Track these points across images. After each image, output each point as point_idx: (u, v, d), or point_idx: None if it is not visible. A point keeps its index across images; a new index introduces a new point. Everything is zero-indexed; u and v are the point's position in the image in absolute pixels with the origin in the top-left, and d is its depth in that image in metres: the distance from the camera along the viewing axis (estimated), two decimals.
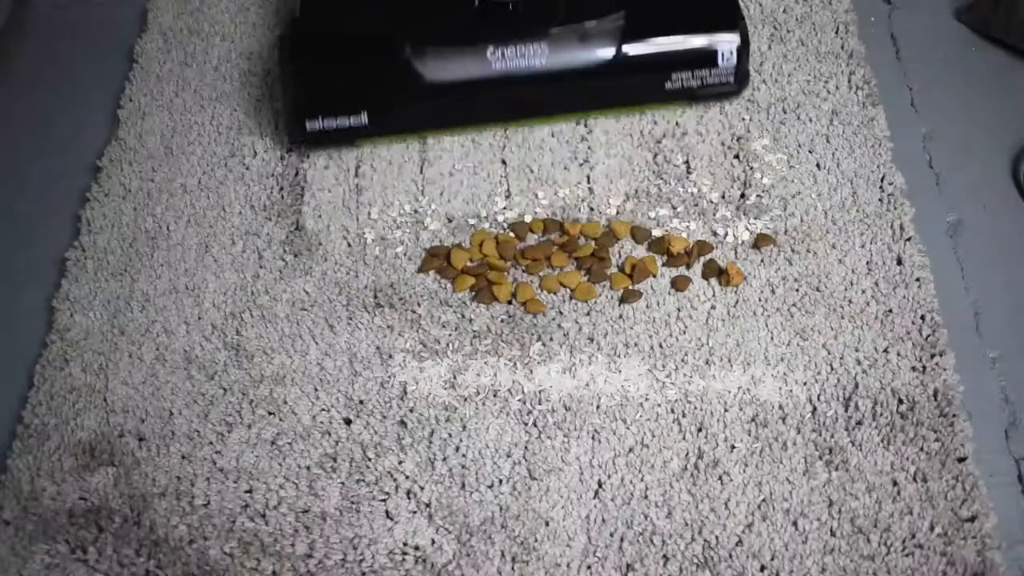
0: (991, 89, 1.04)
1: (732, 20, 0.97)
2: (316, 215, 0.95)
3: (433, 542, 0.76)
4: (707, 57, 0.95)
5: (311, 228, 0.94)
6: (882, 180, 0.95)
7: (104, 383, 0.86)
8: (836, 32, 1.07)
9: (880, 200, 0.94)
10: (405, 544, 0.76)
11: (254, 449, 0.81)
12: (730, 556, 0.75)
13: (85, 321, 0.89)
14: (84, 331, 0.89)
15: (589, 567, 0.75)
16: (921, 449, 0.79)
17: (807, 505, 0.77)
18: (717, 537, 0.75)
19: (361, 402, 0.83)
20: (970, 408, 0.81)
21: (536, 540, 0.76)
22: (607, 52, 0.94)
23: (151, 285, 0.91)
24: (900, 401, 0.81)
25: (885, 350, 0.84)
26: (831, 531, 0.75)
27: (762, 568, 0.74)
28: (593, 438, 0.81)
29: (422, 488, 0.78)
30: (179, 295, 0.91)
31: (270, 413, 0.83)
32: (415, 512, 0.78)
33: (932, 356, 0.84)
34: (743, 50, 0.96)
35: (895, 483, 0.77)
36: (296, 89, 0.96)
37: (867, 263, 0.90)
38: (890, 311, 0.87)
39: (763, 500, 0.77)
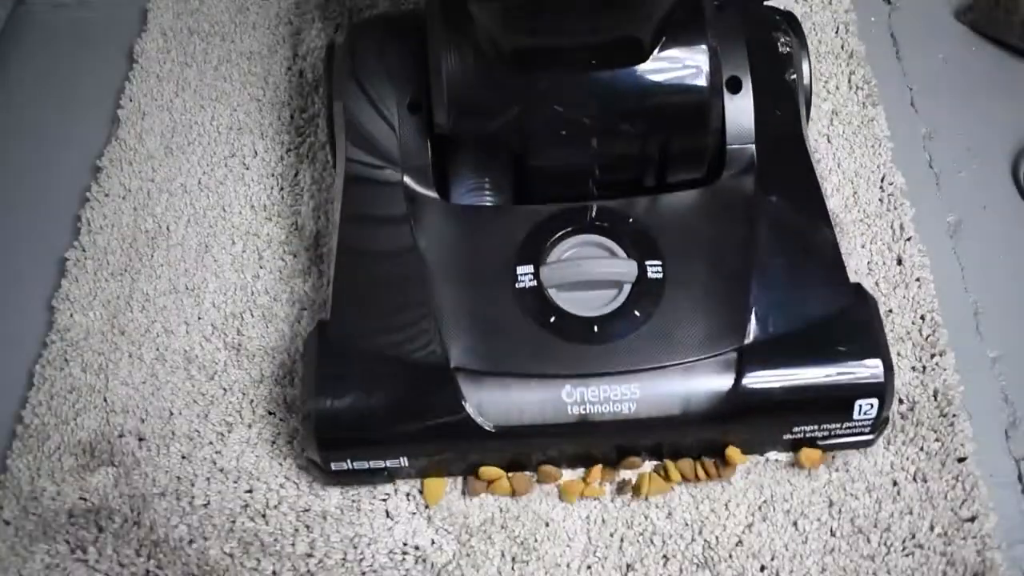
0: (991, 89, 1.04)
1: (875, 356, 0.73)
2: (316, 215, 0.95)
3: (433, 542, 0.76)
4: (840, 410, 0.74)
5: (311, 228, 0.94)
6: (882, 180, 0.95)
7: (104, 383, 0.86)
8: (836, 32, 1.07)
9: (880, 200, 0.94)
10: (405, 544, 0.76)
11: (255, 449, 0.82)
12: (730, 556, 0.75)
13: (85, 321, 0.89)
14: (84, 331, 0.89)
15: (589, 567, 0.75)
16: (921, 449, 0.79)
17: (807, 505, 0.77)
18: (717, 537, 0.75)
19: None
20: (970, 408, 0.81)
21: (536, 540, 0.76)
22: (711, 398, 0.72)
23: (151, 285, 0.91)
24: (900, 401, 0.82)
25: None
26: (831, 531, 0.75)
27: (762, 568, 0.74)
28: None
29: (421, 491, 0.78)
30: (179, 295, 0.91)
31: (270, 413, 0.83)
32: (415, 513, 0.78)
33: (932, 356, 0.84)
34: (886, 397, 0.73)
35: (895, 483, 0.78)
36: (318, 426, 0.73)
37: (867, 263, 0.90)
38: (890, 311, 0.87)
39: (763, 501, 0.77)
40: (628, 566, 0.75)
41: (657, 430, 0.73)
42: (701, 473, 0.77)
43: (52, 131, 1.05)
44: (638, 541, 0.76)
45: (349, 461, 0.74)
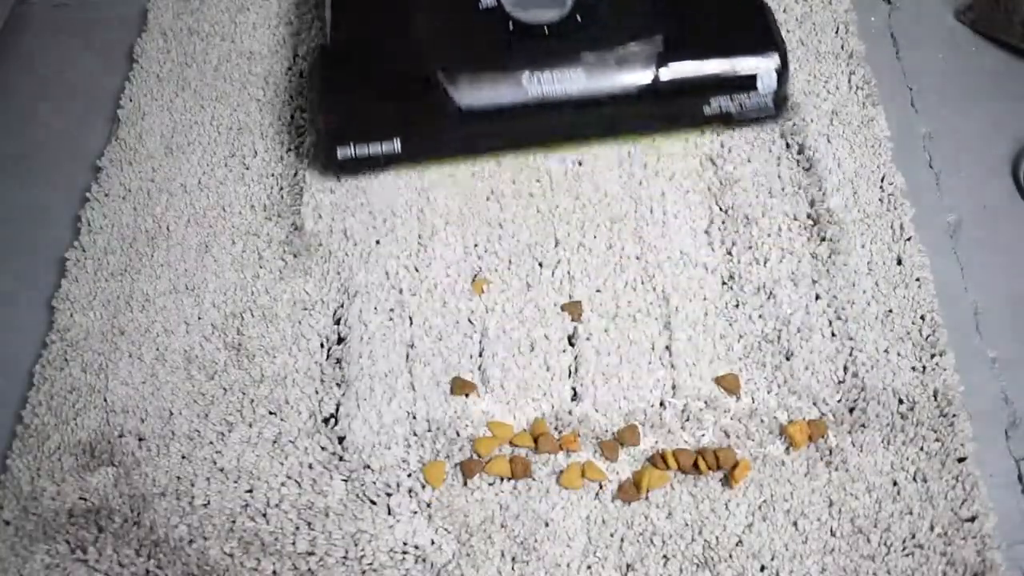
0: (991, 89, 1.04)
1: (771, 43, 0.96)
2: (316, 215, 0.95)
3: (433, 542, 0.76)
4: (746, 81, 0.94)
5: (311, 228, 0.94)
6: (882, 180, 0.95)
7: (104, 383, 0.86)
8: (836, 32, 1.07)
9: (880, 200, 0.94)
10: (405, 543, 0.76)
11: (255, 448, 0.82)
12: (730, 556, 0.75)
13: (85, 321, 0.89)
14: (84, 331, 0.89)
15: (589, 567, 0.75)
16: (921, 449, 0.79)
17: (807, 505, 0.77)
18: (717, 537, 0.75)
19: (358, 406, 0.84)
20: (970, 408, 0.81)
21: (536, 540, 0.76)
22: (644, 76, 0.93)
23: (151, 285, 0.91)
24: (900, 401, 0.82)
25: (885, 350, 0.84)
26: (831, 531, 0.75)
27: (762, 568, 0.74)
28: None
29: (423, 487, 0.78)
30: (179, 295, 0.91)
31: (271, 412, 0.83)
32: (416, 512, 0.78)
33: (932, 356, 0.84)
34: (783, 74, 0.95)
35: (895, 483, 0.77)
36: (326, 116, 0.94)
37: (867, 263, 0.90)
38: (890, 311, 0.87)
39: (763, 501, 0.77)
40: (628, 566, 0.75)
41: (599, 105, 0.93)
42: (702, 465, 0.77)
43: (52, 131, 1.05)
44: (638, 541, 0.76)
45: (352, 146, 0.92)
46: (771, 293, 0.88)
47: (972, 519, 0.75)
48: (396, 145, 0.92)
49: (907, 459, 0.78)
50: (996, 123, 1.01)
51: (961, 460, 0.78)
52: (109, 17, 1.14)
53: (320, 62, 0.96)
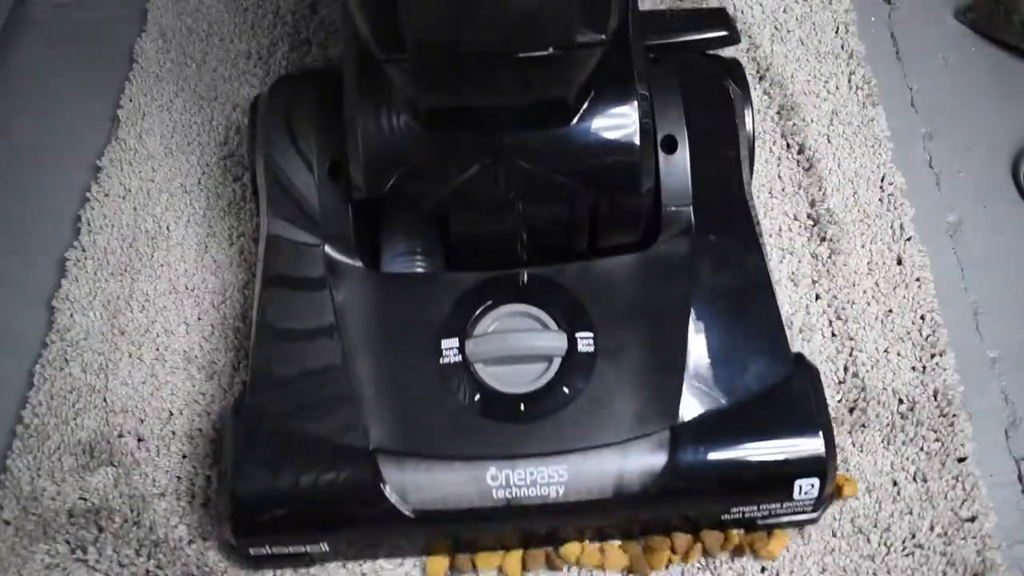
0: (991, 89, 1.04)
1: (815, 433, 0.69)
2: None
3: None
4: (778, 489, 0.70)
5: None
6: (882, 180, 0.95)
7: (104, 383, 0.86)
8: (836, 32, 1.07)
9: (880, 200, 0.94)
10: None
11: None
12: (731, 558, 0.75)
13: (85, 321, 0.89)
14: (84, 331, 0.89)
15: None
16: (921, 449, 0.79)
17: None
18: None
19: None
20: (970, 408, 0.81)
21: None
22: (646, 478, 0.68)
23: (151, 285, 0.91)
24: (900, 401, 0.82)
25: (885, 350, 0.84)
26: (831, 531, 0.75)
27: (763, 569, 0.74)
28: None
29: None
30: (179, 295, 0.91)
31: None
32: None
33: (932, 356, 0.84)
34: (827, 472, 0.69)
35: (895, 483, 0.77)
36: (233, 505, 0.69)
37: (867, 263, 0.90)
38: (890, 311, 0.87)
39: None
40: (629, 568, 0.75)
41: (587, 513, 0.69)
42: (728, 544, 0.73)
43: (52, 131, 1.05)
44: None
45: (268, 547, 0.70)
46: None
47: (972, 519, 0.75)
48: (323, 547, 0.71)
49: (907, 459, 0.79)
50: (996, 123, 1.01)
51: (961, 460, 0.78)
52: (109, 17, 1.14)
53: (235, 425, 0.72)
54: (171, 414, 0.84)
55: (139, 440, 0.83)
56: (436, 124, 0.70)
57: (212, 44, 1.09)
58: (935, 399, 0.81)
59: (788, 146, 0.98)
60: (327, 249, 0.75)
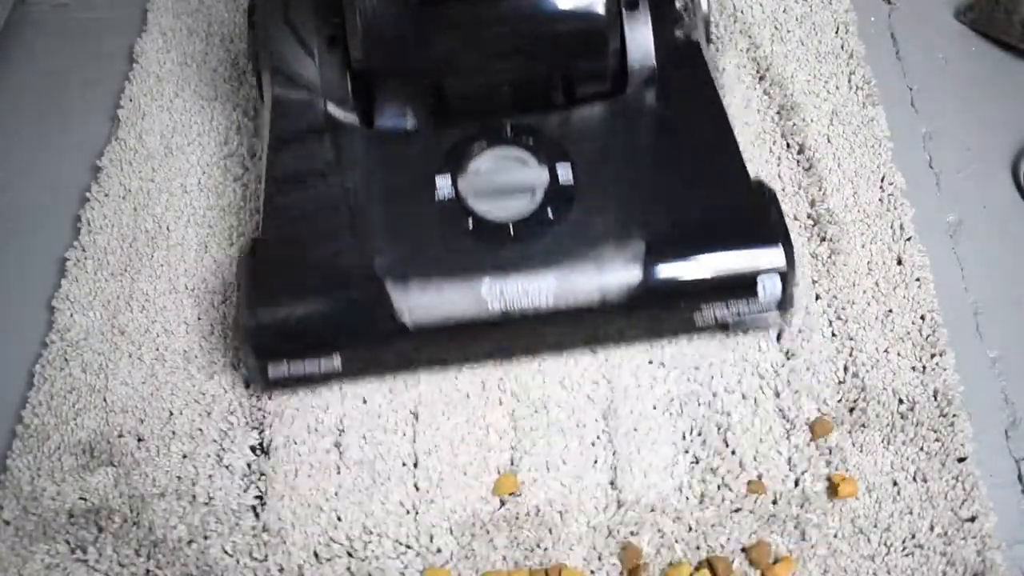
0: (991, 89, 1.04)
1: (775, 240, 0.79)
2: None
3: (432, 539, 0.76)
4: (744, 287, 0.79)
5: None
6: (882, 180, 0.95)
7: (104, 383, 0.86)
8: (836, 32, 1.07)
9: (880, 200, 0.94)
10: (407, 537, 0.76)
11: (258, 447, 0.82)
12: (732, 561, 0.74)
13: (85, 321, 0.89)
14: (84, 331, 0.89)
15: (592, 572, 0.75)
16: (921, 449, 0.79)
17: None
18: (722, 545, 0.75)
19: (365, 401, 0.83)
20: (970, 408, 0.81)
21: (539, 545, 0.76)
22: (624, 285, 0.78)
23: (151, 285, 0.91)
24: (900, 401, 0.82)
25: (885, 350, 0.84)
26: (832, 532, 0.75)
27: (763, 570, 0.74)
28: (595, 443, 0.81)
29: (427, 480, 0.79)
30: (179, 295, 0.91)
31: (274, 413, 0.83)
32: (417, 509, 0.78)
33: (932, 356, 0.84)
34: (788, 275, 0.79)
35: (895, 483, 0.77)
36: (256, 329, 0.78)
37: (867, 263, 0.90)
38: (890, 311, 0.87)
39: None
40: (631, 571, 0.75)
41: (573, 319, 0.78)
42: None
43: (52, 131, 1.05)
44: (643, 545, 0.76)
45: (286, 365, 0.78)
46: None
47: (972, 519, 0.75)
48: (335, 362, 0.78)
49: (907, 459, 0.78)
50: (996, 123, 1.01)
51: (961, 460, 0.78)
52: (109, 17, 1.14)
53: (250, 259, 0.80)
54: (171, 414, 0.84)
55: (139, 440, 0.83)
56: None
57: (212, 44, 1.09)
58: (935, 399, 0.81)
59: (788, 146, 0.98)
60: (328, 107, 0.86)
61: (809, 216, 0.93)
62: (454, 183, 0.81)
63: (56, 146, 1.04)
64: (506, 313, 0.77)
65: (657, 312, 0.80)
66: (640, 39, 0.87)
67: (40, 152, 1.03)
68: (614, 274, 0.77)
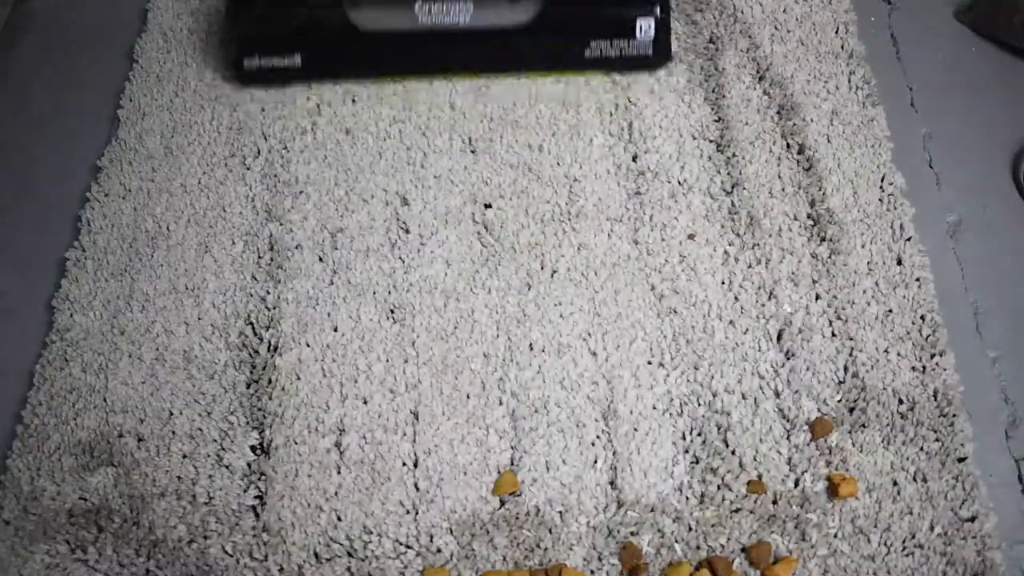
0: (991, 89, 1.04)
1: None
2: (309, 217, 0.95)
3: (432, 539, 0.76)
4: (624, 28, 1.00)
5: (312, 227, 0.94)
6: (882, 180, 0.95)
7: (104, 383, 0.86)
8: (836, 32, 1.07)
9: (880, 200, 0.94)
10: (407, 537, 0.76)
11: (258, 447, 0.82)
12: (733, 560, 0.74)
13: (85, 321, 0.89)
14: (84, 331, 0.89)
15: (592, 572, 0.75)
16: (921, 449, 0.79)
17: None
18: (722, 545, 0.75)
19: (365, 402, 0.83)
20: (970, 408, 0.81)
21: (539, 545, 0.76)
22: (526, 15, 0.99)
23: (151, 285, 0.91)
24: (900, 401, 0.82)
25: (885, 350, 0.84)
26: (833, 533, 0.75)
27: (763, 571, 0.74)
28: (595, 443, 0.81)
29: (427, 480, 0.79)
30: (179, 295, 0.91)
31: (274, 413, 0.83)
32: (417, 510, 0.78)
33: (932, 356, 0.84)
34: (663, 23, 1.00)
35: (895, 483, 0.77)
36: (235, 27, 1.03)
37: (867, 263, 0.90)
38: (890, 311, 0.87)
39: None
40: (631, 572, 0.75)
41: (484, 39, 0.99)
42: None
43: (52, 131, 1.05)
44: (643, 547, 0.75)
45: (258, 57, 1.01)
46: (771, 293, 0.88)
47: (972, 519, 0.75)
48: (296, 60, 1.01)
49: (907, 459, 0.78)
50: (996, 123, 1.01)
51: (961, 460, 0.78)
52: (109, 17, 1.14)
53: None
54: (171, 414, 0.84)
55: (139, 440, 0.83)
56: None
57: (212, 44, 1.09)
58: (935, 399, 0.81)
59: (788, 146, 0.98)
60: None
61: (809, 216, 0.93)
62: None
63: (56, 146, 1.03)
64: (432, 28, 0.99)
65: (553, 43, 1.01)
66: None
67: (40, 151, 1.03)
68: (518, 5, 0.98)
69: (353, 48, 1.02)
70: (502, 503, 0.78)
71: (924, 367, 0.83)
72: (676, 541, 0.75)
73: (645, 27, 0.99)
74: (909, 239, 0.91)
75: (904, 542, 0.75)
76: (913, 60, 1.06)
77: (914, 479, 0.77)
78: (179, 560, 0.76)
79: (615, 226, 0.92)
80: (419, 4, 0.99)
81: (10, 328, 0.91)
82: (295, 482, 0.80)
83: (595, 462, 0.79)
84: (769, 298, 0.88)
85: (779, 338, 0.85)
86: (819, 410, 0.81)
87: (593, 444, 0.80)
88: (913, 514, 0.76)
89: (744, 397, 0.82)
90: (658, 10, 1.00)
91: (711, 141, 0.98)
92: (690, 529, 0.76)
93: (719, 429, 0.80)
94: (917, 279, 0.88)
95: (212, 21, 1.11)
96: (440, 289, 0.88)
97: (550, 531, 0.76)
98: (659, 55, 1.02)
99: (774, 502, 0.77)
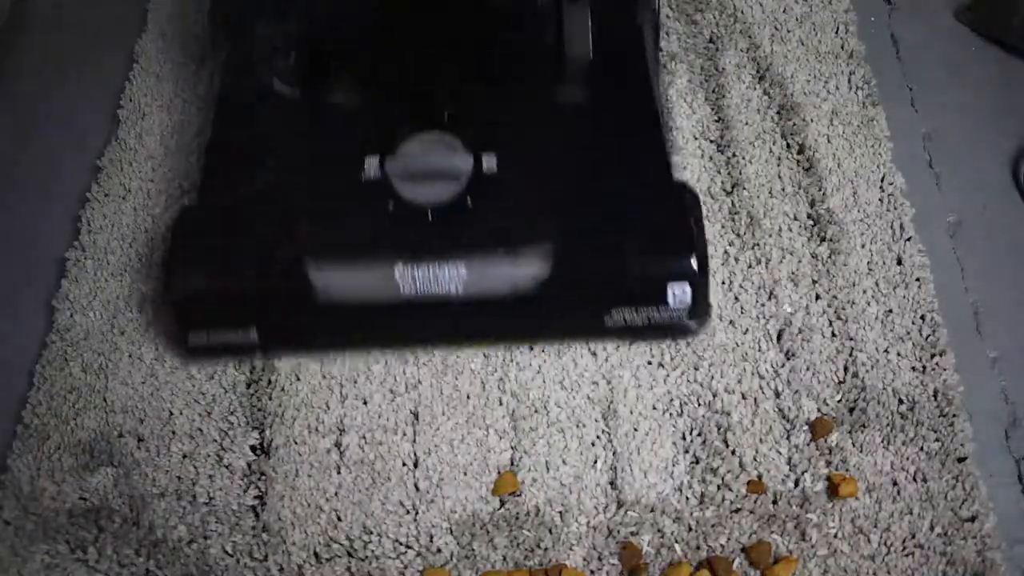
0: (991, 89, 1.04)
1: (686, 245, 0.78)
2: None
3: (432, 539, 0.76)
4: (653, 292, 0.78)
5: None
6: (882, 180, 0.95)
7: (104, 383, 0.86)
8: (836, 32, 1.07)
9: (880, 200, 0.94)
10: (407, 537, 0.76)
11: (259, 447, 0.82)
12: (733, 560, 0.74)
13: (85, 321, 0.89)
14: (84, 331, 0.89)
15: (592, 572, 0.75)
16: (921, 449, 0.79)
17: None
18: (722, 545, 0.75)
19: (365, 402, 0.83)
20: (970, 408, 0.81)
21: (539, 545, 0.76)
22: (533, 279, 0.78)
23: (151, 285, 0.91)
24: (900, 401, 0.82)
25: (885, 350, 0.84)
26: (833, 533, 0.75)
27: (763, 572, 0.74)
28: (595, 443, 0.81)
29: (427, 480, 0.79)
30: None
31: (274, 413, 0.83)
32: (417, 510, 0.78)
33: (932, 356, 0.84)
34: (700, 284, 0.78)
35: (895, 483, 0.77)
36: (179, 294, 0.81)
37: (867, 263, 0.90)
38: (890, 311, 0.87)
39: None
40: (631, 572, 0.75)
41: (482, 309, 0.78)
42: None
43: (52, 131, 1.05)
44: (642, 546, 0.76)
45: (206, 334, 0.80)
46: (771, 293, 0.88)
47: (972, 519, 0.75)
48: (252, 335, 0.81)
49: (907, 459, 0.78)
50: (996, 123, 1.01)
51: (961, 460, 0.78)
52: (109, 17, 1.14)
53: (179, 225, 0.83)
54: (171, 414, 0.84)
55: (139, 440, 0.83)
56: None
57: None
58: (935, 399, 0.81)
59: (788, 146, 0.98)
60: (273, 79, 0.89)
61: (809, 216, 0.93)
62: (382, 163, 0.82)
63: (56, 146, 1.03)
64: (416, 298, 0.77)
65: (565, 310, 0.80)
66: (578, 28, 0.87)
67: (40, 151, 1.03)
68: (524, 268, 0.77)
69: (316, 321, 0.81)
70: (502, 503, 0.78)
71: (924, 367, 0.83)
72: (676, 541, 0.75)
73: (679, 293, 0.77)
74: (909, 239, 0.91)
75: (904, 542, 0.75)
76: (913, 60, 1.06)
77: (914, 479, 0.77)
78: (179, 560, 0.76)
79: None
80: (400, 269, 0.77)
81: (10, 328, 0.91)
82: (295, 482, 0.80)
83: (595, 462, 0.79)
84: (769, 298, 0.88)
85: (779, 338, 0.85)
86: (819, 410, 0.81)
87: (593, 444, 0.80)
88: (913, 514, 0.76)
89: (744, 397, 0.82)
90: (695, 268, 0.78)
91: (711, 141, 0.98)
92: (690, 529, 0.76)
93: (719, 429, 0.81)
94: (917, 279, 0.88)
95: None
96: None
97: (550, 531, 0.76)
98: (697, 319, 0.81)
99: (774, 502, 0.77)
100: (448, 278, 0.77)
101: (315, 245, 0.79)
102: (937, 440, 0.79)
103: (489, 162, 0.82)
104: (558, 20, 0.86)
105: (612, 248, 0.78)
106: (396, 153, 0.83)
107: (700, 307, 0.79)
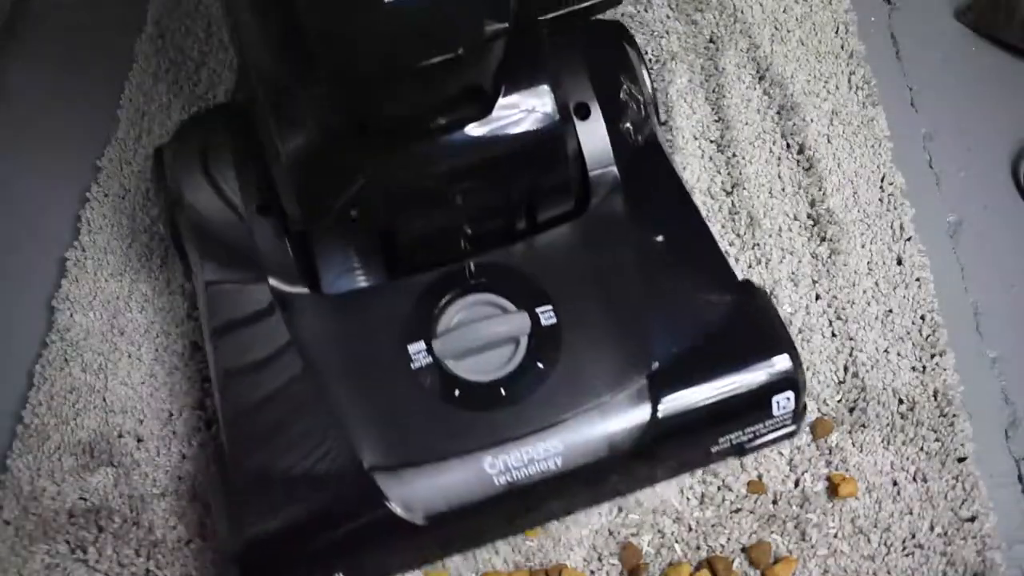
0: (991, 89, 1.04)
1: (780, 349, 0.72)
2: None
3: None
4: (757, 409, 0.72)
5: None
6: (882, 180, 0.95)
7: (104, 383, 0.86)
8: (836, 32, 1.07)
9: (880, 200, 0.94)
10: None
11: None
12: (733, 560, 0.74)
13: (85, 321, 0.89)
14: (84, 331, 0.89)
15: (592, 573, 0.75)
16: (921, 449, 0.79)
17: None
18: (722, 545, 0.75)
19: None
20: (970, 408, 0.81)
21: (539, 546, 0.76)
22: (633, 432, 0.69)
23: (151, 285, 0.91)
24: (900, 401, 0.82)
25: (885, 350, 0.84)
26: (833, 533, 0.75)
27: (763, 572, 0.74)
28: None
29: None
30: (179, 295, 0.91)
31: None
32: None
33: (932, 356, 0.84)
34: (799, 384, 0.73)
35: (895, 483, 0.77)
36: (244, 552, 0.67)
37: (867, 263, 0.90)
38: (890, 311, 0.87)
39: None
40: (631, 572, 0.75)
41: (588, 477, 0.70)
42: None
43: (52, 131, 1.05)
44: (643, 547, 0.76)
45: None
46: (771, 293, 0.88)
47: (972, 519, 0.75)
48: None
49: (907, 459, 0.78)
50: (996, 123, 1.01)
51: (961, 460, 0.78)
52: (109, 17, 1.14)
53: (221, 474, 0.70)
54: (171, 414, 0.84)
55: (139, 440, 0.83)
56: (361, 138, 0.71)
57: (212, 44, 1.09)
58: (935, 399, 0.81)
59: (788, 146, 0.98)
60: (272, 282, 0.75)
61: (809, 216, 0.93)
62: (428, 347, 0.71)
63: (56, 146, 1.03)
64: (514, 486, 0.68)
65: (673, 451, 0.72)
66: (597, 144, 0.78)
67: (40, 152, 1.03)
68: (621, 420, 0.69)
69: (407, 540, 0.68)
70: None
71: (924, 367, 0.83)
72: (676, 541, 0.75)
73: (784, 402, 0.72)
74: (909, 239, 0.91)
75: (904, 542, 0.75)
76: (913, 60, 1.06)
77: (914, 479, 0.77)
78: (179, 560, 0.76)
79: None
80: (489, 460, 0.67)
81: (10, 328, 0.91)
82: None
83: None
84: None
85: None
86: (819, 410, 0.81)
87: None
88: (913, 514, 0.76)
89: None
90: (796, 375, 0.72)
91: (711, 141, 0.98)
92: (690, 529, 0.76)
93: None
94: (917, 279, 0.88)
95: (212, 21, 1.11)
96: None
97: (550, 532, 0.76)
98: (798, 421, 0.75)
99: (774, 502, 0.77)
100: (543, 455, 0.68)
101: (384, 457, 0.68)
102: (937, 440, 0.79)
103: (546, 313, 0.72)
104: (577, 143, 0.78)
105: (706, 374, 0.71)
106: (439, 330, 0.72)
107: (801, 409, 0.74)
